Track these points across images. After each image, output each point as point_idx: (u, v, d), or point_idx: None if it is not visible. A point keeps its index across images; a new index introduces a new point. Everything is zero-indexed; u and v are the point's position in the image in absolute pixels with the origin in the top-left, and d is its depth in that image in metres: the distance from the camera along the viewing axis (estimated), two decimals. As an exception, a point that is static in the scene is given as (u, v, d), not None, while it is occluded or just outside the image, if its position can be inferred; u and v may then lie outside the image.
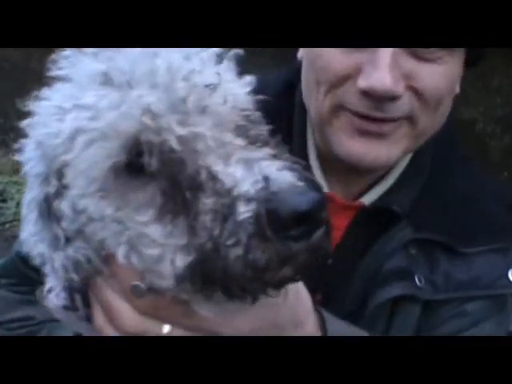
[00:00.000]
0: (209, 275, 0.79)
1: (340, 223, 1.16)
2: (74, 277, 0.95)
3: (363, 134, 1.00)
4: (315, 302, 1.13)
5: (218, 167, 0.78)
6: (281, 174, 0.76)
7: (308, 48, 1.04)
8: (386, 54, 0.92)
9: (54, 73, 0.91)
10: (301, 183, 0.75)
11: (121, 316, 0.94)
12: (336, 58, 0.97)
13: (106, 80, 0.83)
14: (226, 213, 0.76)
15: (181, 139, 0.81)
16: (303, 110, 1.13)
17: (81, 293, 1.01)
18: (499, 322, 1.22)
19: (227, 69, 0.90)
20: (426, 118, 1.02)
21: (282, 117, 1.15)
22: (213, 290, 0.82)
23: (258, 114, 0.92)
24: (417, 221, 1.12)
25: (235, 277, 0.78)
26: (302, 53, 1.09)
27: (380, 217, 1.15)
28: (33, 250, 1.00)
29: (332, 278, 1.21)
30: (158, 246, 0.83)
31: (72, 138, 0.85)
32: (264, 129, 0.90)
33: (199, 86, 0.83)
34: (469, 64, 1.09)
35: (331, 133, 1.02)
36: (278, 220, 0.73)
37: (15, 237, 5.98)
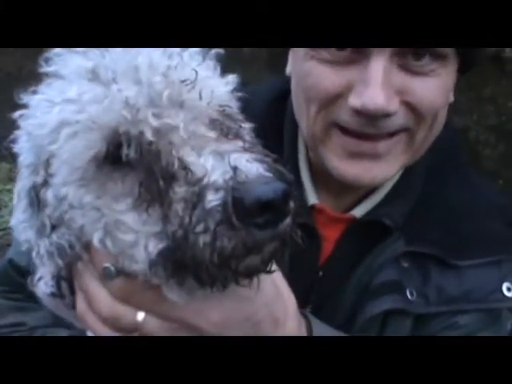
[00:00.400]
0: (180, 261, 0.82)
1: (331, 235, 1.16)
2: (59, 262, 0.99)
3: (357, 155, 1.00)
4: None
5: (191, 158, 0.81)
6: (249, 165, 0.79)
7: (296, 65, 1.02)
8: (377, 70, 0.91)
9: (45, 69, 0.96)
10: (268, 174, 0.78)
11: (96, 300, 0.97)
12: (326, 77, 0.97)
13: (93, 76, 0.87)
14: (195, 201, 0.79)
15: (156, 131, 0.85)
16: (294, 122, 1.13)
17: (67, 280, 1.04)
18: (495, 334, 1.21)
19: (207, 67, 0.94)
20: (423, 132, 1.02)
21: (273, 126, 1.16)
22: (184, 276, 0.85)
23: (235, 111, 0.95)
24: (409, 233, 1.11)
25: (204, 263, 0.81)
26: (290, 69, 1.08)
27: (371, 230, 1.15)
28: (21, 235, 1.04)
29: (322, 290, 1.21)
30: (133, 232, 0.86)
31: (58, 129, 0.89)
32: (239, 123, 0.94)
33: (176, 81, 0.87)
34: (462, 71, 1.08)
35: (325, 152, 1.02)
36: (243, 208, 0.76)
37: (10, 245, 5.96)
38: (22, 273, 1.42)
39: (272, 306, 1.00)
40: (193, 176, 0.80)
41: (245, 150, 0.84)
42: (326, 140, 1.01)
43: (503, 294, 1.05)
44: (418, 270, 1.09)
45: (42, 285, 1.05)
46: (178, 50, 0.93)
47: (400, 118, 0.97)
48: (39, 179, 0.96)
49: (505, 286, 1.04)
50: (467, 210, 1.12)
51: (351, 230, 1.15)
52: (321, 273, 1.15)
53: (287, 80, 1.19)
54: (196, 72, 0.90)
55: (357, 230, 1.15)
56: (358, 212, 1.14)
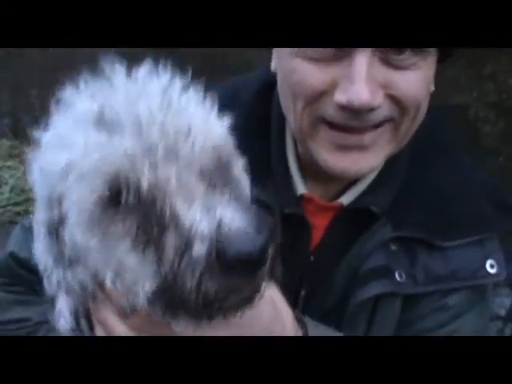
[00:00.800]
0: (170, 300, 0.90)
1: (320, 223, 1.19)
2: (75, 300, 1.08)
3: (344, 148, 1.04)
4: (298, 301, 1.18)
5: (181, 209, 0.88)
6: (234, 218, 0.86)
7: (281, 62, 1.04)
8: (361, 66, 0.94)
9: (56, 109, 1.01)
10: (249, 228, 0.85)
11: (116, 333, 1.04)
12: (311, 74, 0.99)
13: (98, 121, 0.93)
14: (184, 249, 0.86)
15: (151, 181, 0.91)
16: (281, 114, 1.15)
17: (85, 317, 1.11)
18: (480, 313, 1.25)
19: (204, 108, 0.98)
20: (407, 122, 1.05)
21: (261, 117, 1.18)
22: (176, 312, 0.93)
23: (230, 149, 1.00)
24: (396, 218, 1.15)
25: (190, 303, 0.89)
26: (275, 65, 1.10)
27: (359, 216, 1.18)
28: (40, 259, 1.10)
29: (314, 275, 1.25)
30: (133, 271, 0.93)
31: (66, 170, 0.95)
32: (230, 168, 0.99)
33: (172, 132, 0.93)
34: (441, 61, 1.10)
35: (313, 146, 1.05)
36: (225, 259, 0.84)
37: (11, 222, 5.94)
38: (22, 264, 1.45)
39: (271, 327, 1.06)
40: (182, 226, 0.87)
41: (231, 200, 0.90)
42: (314, 134, 1.04)
43: (487, 271, 1.11)
44: (406, 252, 1.13)
45: (63, 321, 1.10)
46: (177, 93, 0.97)
47: (384, 110, 1.00)
48: (55, 216, 1.01)
49: (488, 263, 1.10)
50: (454, 191, 1.16)
51: (339, 218, 1.20)
52: (312, 258, 1.20)
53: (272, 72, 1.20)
54: (194, 119, 0.95)
55: (345, 217, 1.20)
56: (346, 200, 1.18)
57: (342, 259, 1.19)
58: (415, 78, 0.98)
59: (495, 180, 1.20)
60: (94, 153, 0.92)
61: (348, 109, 0.96)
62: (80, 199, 0.93)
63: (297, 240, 1.14)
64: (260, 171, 1.05)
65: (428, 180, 1.16)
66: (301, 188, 1.15)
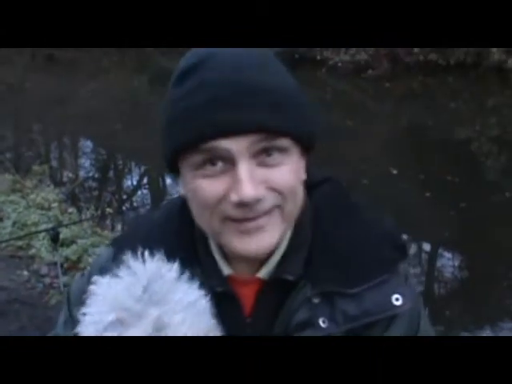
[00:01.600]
0: None
1: (248, 294, 1.32)
2: None
3: (246, 232, 1.20)
4: None
5: None
6: None
7: (186, 186, 1.20)
8: (244, 172, 1.13)
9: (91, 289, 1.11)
10: None
11: None
12: (209, 187, 1.18)
13: (120, 306, 1.05)
14: None
15: None
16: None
17: None
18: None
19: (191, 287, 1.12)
20: (289, 205, 1.21)
21: (185, 233, 1.35)
22: None
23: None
24: (312, 278, 1.29)
25: None
26: (183, 190, 1.26)
27: (279, 285, 1.30)
28: None
29: (253, 332, 1.37)
30: None
31: None
32: None
33: (165, 321, 1.04)
34: (306, 153, 1.25)
35: (224, 238, 1.22)
36: None
37: (12, 256, 5.93)
38: None
39: None
40: None
41: None
42: (223, 229, 1.20)
43: (393, 304, 1.24)
44: (326, 303, 1.27)
45: None
46: (166, 269, 1.11)
47: (270, 200, 1.17)
48: None
49: (394, 297, 1.25)
50: (356, 246, 1.31)
51: (263, 289, 1.31)
52: (248, 320, 1.30)
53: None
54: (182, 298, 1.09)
55: (267, 288, 1.31)
56: (263, 273, 1.29)
57: (275, 319, 1.31)
58: (285, 171, 1.18)
59: (392, 222, 1.36)
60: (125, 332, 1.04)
61: (242, 204, 1.14)
62: None
63: (232, 310, 1.27)
64: (191, 263, 1.20)
65: (333, 240, 1.33)
66: (226, 270, 1.29)
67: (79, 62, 15.06)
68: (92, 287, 1.10)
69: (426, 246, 7.10)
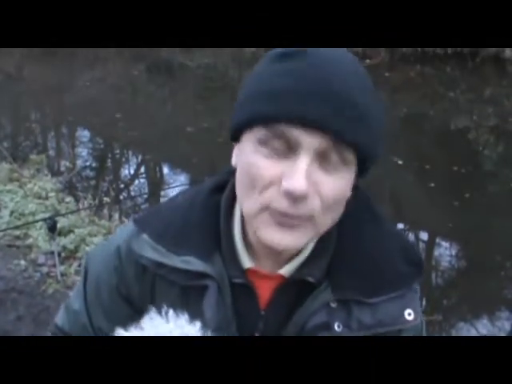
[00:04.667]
0: None
1: (265, 290, 1.33)
2: None
3: (280, 225, 1.20)
4: None
5: None
6: None
7: (242, 157, 1.19)
8: (304, 164, 1.12)
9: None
10: None
11: None
12: (265, 167, 1.16)
13: None
14: None
15: None
16: (229, 203, 1.35)
17: None
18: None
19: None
20: (323, 218, 1.21)
21: (212, 212, 1.35)
22: None
23: None
24: (333, 283, 1.31)
25: None
26: (235, 160, 1.26)
27: (300, 285, 1.32)
28: None
29: (265, 329, 1.35)
30: None
31: None
32: None
33: None
34: (359, 175, 1.26)
35: (255, 222, 1.21)
36: None
37: (10, 246, 5.91)
38: None
39: None
40: None
41: None
42: (260, 214, 1.19)
43: (405, 318, 1.30)
44: (343, 309, 1.30)
45: None
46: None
47: (311, 204, 1.15)
48: None
49: (406, 312, 1.31)
50: (378, 256, 1.34)
51: (282, 287, 1.33)
52: (263, 313, 1.32)
53: (226, 173, 1.39)
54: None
55: (287, 286, 1.33)
56: (286, 271, 1.30)
57: (289, 319, 1.33)
58: (338, 183, 1.17)
59: (408, 239, 1.43)
60: None
61: (289, 195, 1.13)
62: None
63: (247, 301, 1.29)
64: (210, 250, 1.25)
65: (356, 249, 1.35)
66: (247, 262, 1.30)
67: (77, 50, 14.98)
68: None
69: (424, 236, 7.10)
